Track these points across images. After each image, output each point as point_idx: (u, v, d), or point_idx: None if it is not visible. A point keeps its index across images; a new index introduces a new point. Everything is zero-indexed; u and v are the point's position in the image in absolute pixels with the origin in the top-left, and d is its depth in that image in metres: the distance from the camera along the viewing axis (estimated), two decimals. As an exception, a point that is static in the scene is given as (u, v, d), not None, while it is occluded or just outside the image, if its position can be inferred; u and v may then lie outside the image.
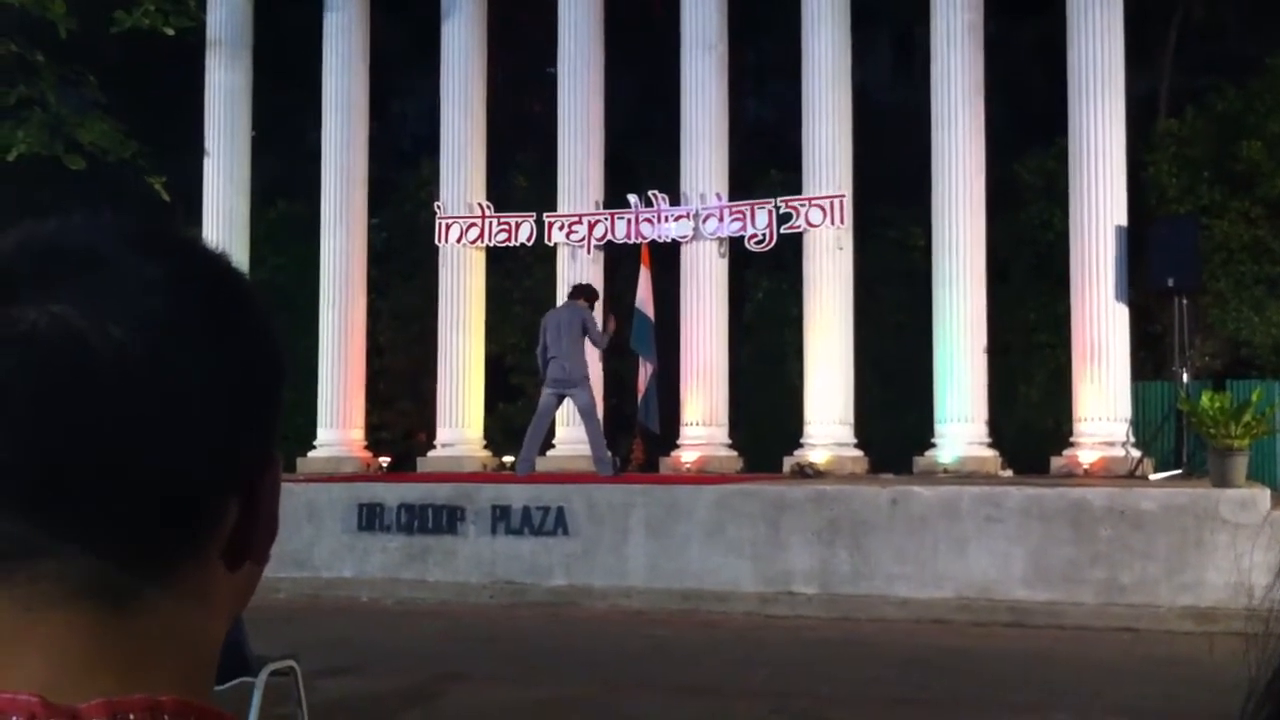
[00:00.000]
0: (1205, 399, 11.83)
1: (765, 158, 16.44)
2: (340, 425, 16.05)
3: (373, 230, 16.94)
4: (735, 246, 15.24)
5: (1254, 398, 11.66)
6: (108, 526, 0.66)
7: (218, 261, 0.74)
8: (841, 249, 14.63)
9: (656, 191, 15.34)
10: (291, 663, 6.24)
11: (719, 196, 15.19)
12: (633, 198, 15.45)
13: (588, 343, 13.14)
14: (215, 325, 0.71)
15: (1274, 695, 0.62)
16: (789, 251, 15.05)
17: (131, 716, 0.65)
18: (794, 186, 15.05)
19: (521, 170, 17.59)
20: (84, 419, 0.65)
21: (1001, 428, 14.23)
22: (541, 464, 14.96)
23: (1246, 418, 11.37)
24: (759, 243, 14.97)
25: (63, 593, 0.66)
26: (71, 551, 0.66)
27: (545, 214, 15.77)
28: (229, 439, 0.70)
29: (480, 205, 16.09)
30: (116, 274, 0.68)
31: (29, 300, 0.66)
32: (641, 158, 16.70)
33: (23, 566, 0.66)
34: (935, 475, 13.32)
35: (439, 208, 16.15)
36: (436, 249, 16.14)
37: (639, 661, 9.31)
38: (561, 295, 15.10)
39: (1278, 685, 0.62)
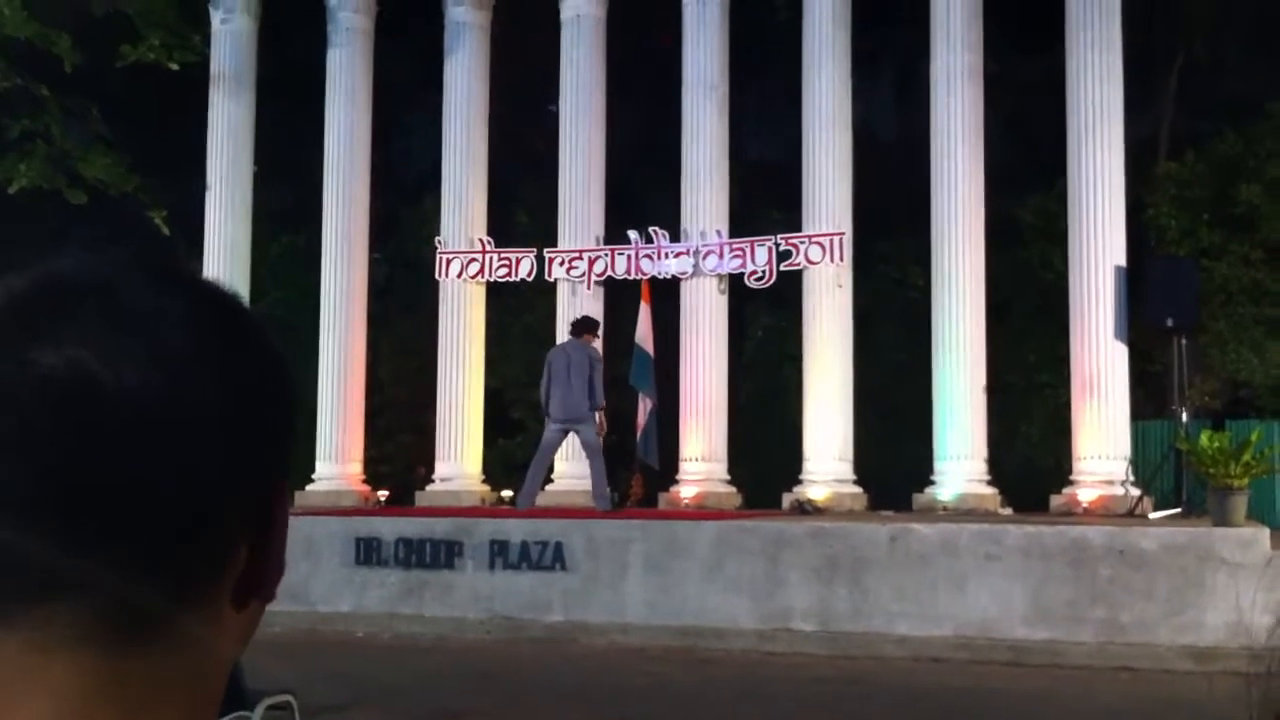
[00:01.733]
0: (1205, 438, 11.83)
1: (765, 195, 16.51)
2: (339, 459, 16.03)
3: (374, 264, 16.97)
4: (735, 283, 15.27)
5: (1253, 438, 11.66)
6: (120, 567, 0.66)
7: (230, 299, 0.74)
8: (841, 286, 14.66)
9: (657, 228, 15.39)
10: (289, 697, 6.21)
11: (719, 233, 15.23)
12: (633, 234, 15.50)
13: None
14: (229, 363, 0.70)
15: None
16: (789, 288, 15.08)
17: None
18: (794, 224, 15.10)
19: (523, 206, 17.65)
20: (99, 462, 0.65)
21: (1001, 465, 14.22)
22: (541, 499, 14.94)
23: (1246, 457, 11.37)
24: (759, 279, 15.00)
25: (73, 635, 0.66)
26: (83, 593, 0.65)
27: (546, 249, 15.80)
28: (242, 477, 0.70)
29: (481, 240, 16.13)
30: (131, 313, 0.68)
31: (46, 341, 0.66)
32: (642, 194, 16.77)
33: (34, 608, 0.66)
34: (935, 513, 13.30)
35: (440, 243, 16.18)
36: (437, 283, 16.17)
37: (637, 699, 9.27)
38: (561, 329, 15.12)
39: None
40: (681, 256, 15.26)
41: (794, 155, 15.19)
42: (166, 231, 17.31)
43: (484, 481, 16.06)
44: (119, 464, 0.65)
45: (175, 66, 16.92)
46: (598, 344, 13.49)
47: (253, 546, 0.72)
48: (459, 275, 16.05)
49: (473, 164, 16.39)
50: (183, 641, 0.69)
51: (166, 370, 0.67)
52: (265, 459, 0.72)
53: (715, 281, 15.20)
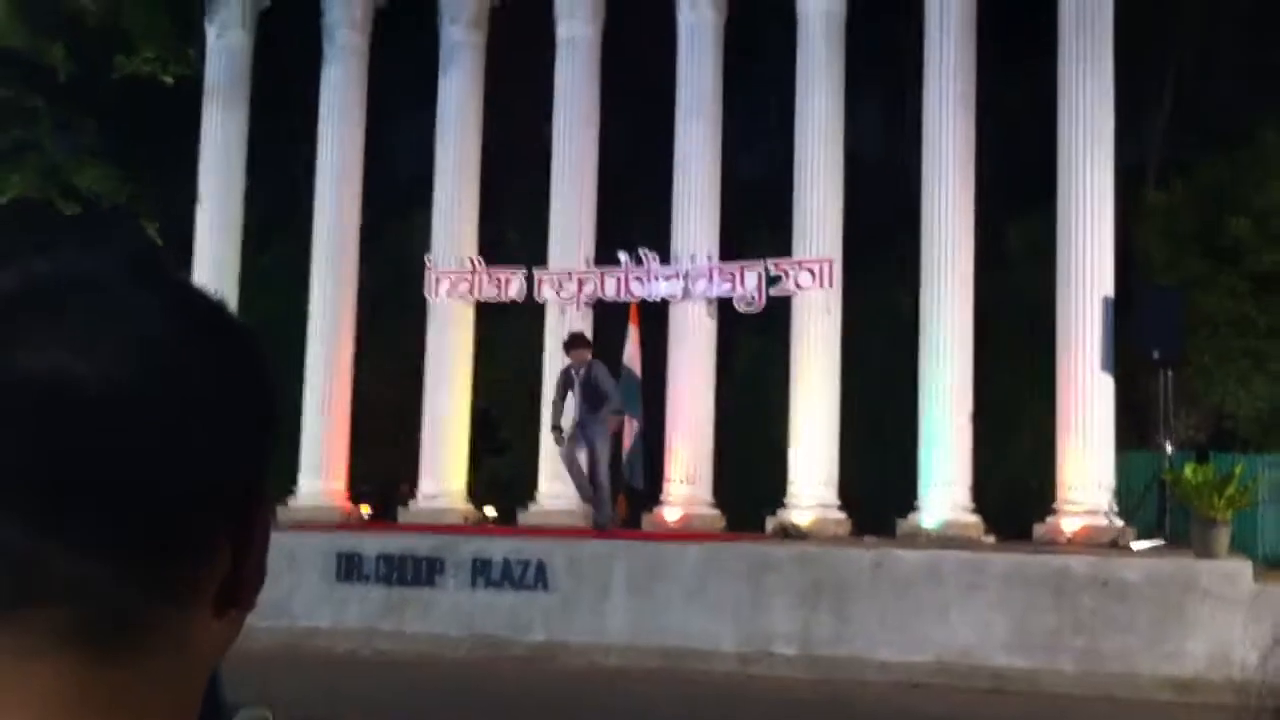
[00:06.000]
0: (1189, 470, 11.86)
1: (756, 216, 16.54)
2: (322, 474, 15.96)
3: (362, 279, 16.95)
4: (724, 306, 15.28)
5: (1237, 470, 11.69)
6: (100, 572, 0.65)
7: (212, 302, 0.74)
8: (829, 313, 14.68)
9: (647, 250, 15.40)
10: (266, 712, 6.18)
11: (709, 257, 15.25)
12: (623, 256, 15.50)
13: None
14: (211, 366, 0.70)
15: None
16: (777, 312, 15.09)
17: None
18: (784, 245, 15.12)
19: (513, 225, 17.66)
20: (78, 465, 0.65)
21: (985, 493, 14.21)
22: (522, 518, 14.93)
23: (1230, 490, 11.40)
24: (748, 305, 15.01)
25: (52, 640, 0.65)
26: (62, 598, 0.65)
27: (536, 269, 15.80)
28: (223, 481, 0.70)
29: (471, 260, 16.13)
30: (113, 315, 0.68)
31: (27, 342, 0.66)
32: (633, 215, 16.79)
33: (12, 613, 0.65)
34: (918, 539, 13.29)
35: (430, 260, 16.17)
36: (425, 300, 16.15)
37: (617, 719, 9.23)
38: (550, 349, 15.15)
39: None
40: (671, 280, 15.27)
41: (785, 177, 15.22)
42: (160, 243, 17.29)
43: (469, 500, 16.02)
44: (99, 467, 0.65)
45: (169, 80, 16.93)
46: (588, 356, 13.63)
47: (233, 553, 0.72)
48: (448, 294, 16.04)
49: (464, 182, 16.40)
50: (162, 647, 0.68)
51: (148, 373, 0.67)
52: (246, 463, 0.72)
53: (704, 305, 15.21)
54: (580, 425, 13.41)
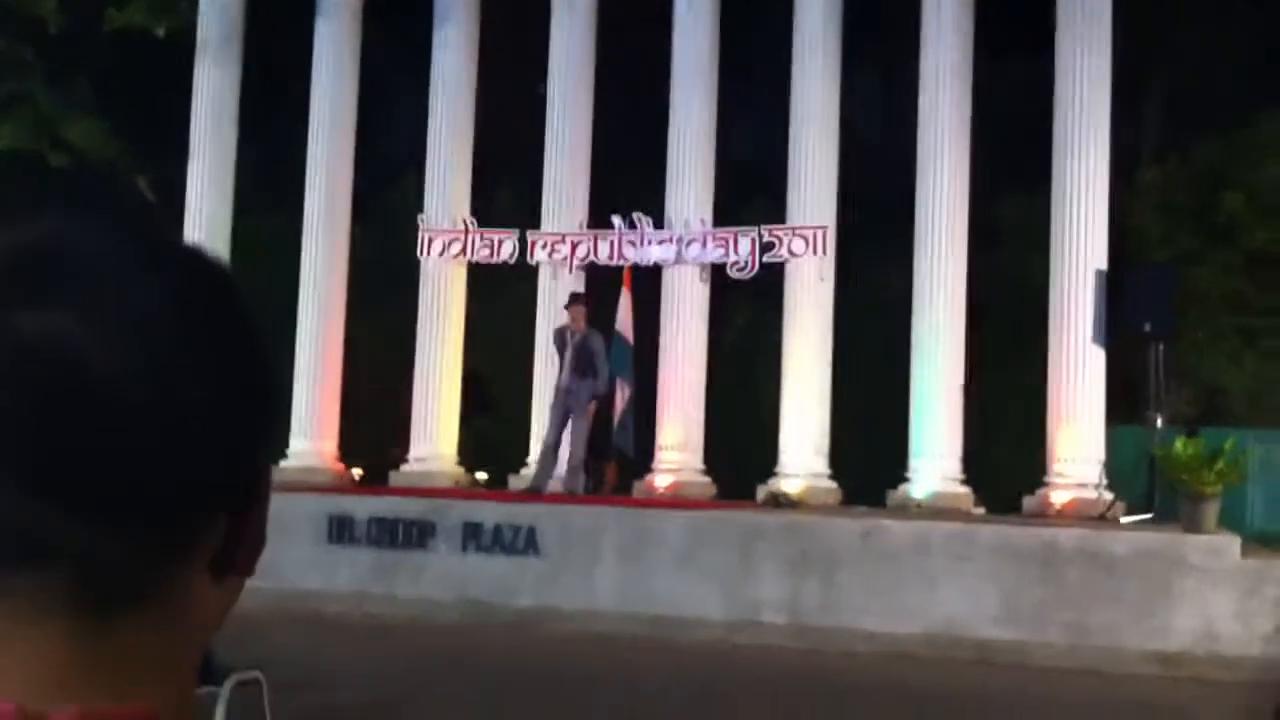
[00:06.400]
0: (1179, 445, 11.90)
1: (750, 186, 16.49)
2: (313, 436, 15.94)
3: (354, 241, 16.88)
4: (717, 273, 15.25)
5: (1226, 445, 11.72)
6: (97, 539, 0.65)
7: (217, 270, 0.73)
8: (823, 280, 14.67)
9: (640, 214, 15.35)
10: (257, 674, 6.19)
11: (703, 222, 15.21)
12: (617, 219, 15.45)
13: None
14: (213, 336, 0.70)
15: None
16: (770, 280, 15.08)
17: None
18: (778, 216, 15.09)
19: (506, 188, 17.58)
20: (77, 431, 0.64)
21: (975, 465, 14.25)
22: (513, 483, 14.93)
23: (1219, 465, 11.45)
24: (741, 270, 14.98)
25: (49, 603, 0.65)
26: (60, 561, 0.65)
27: (529, 232, 15.75)
28: (224, 452, 0.69)
29: (464, 220, 16.07)
30: (116, 280, 0.67)
31: (28, 308, 0.65)
32: (627, 180, 16.72)
33: (9, 575, 0.65)
34: (908, 510, 13.33)
35: (422, 220, 16.11)
36: (418, 262, 16.10)
37: (603, 687, 9.28)
38: (542, 312, 15.16)
39: None
40: (664, 244, 15.23)
41: (780, 147, 15.17)
42: (150, 196, 17.21)
43: (459, 463, 16.02)
44: (97, 434, 0.64)
45: (161, 33, 16.79)
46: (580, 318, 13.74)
47: (232, 520, 0.71)
48: (440, 254, 15.98)
49: (457, 143, 16.31)
50: (161, 613, 0.68)
51: (149, 341, 0.66)
52: (247, 433, 0.71)
53: (697, 271, 15.18)
54: (566, 391, 13.48)
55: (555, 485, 13.69)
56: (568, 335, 13.68)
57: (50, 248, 0.68)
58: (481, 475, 16.30)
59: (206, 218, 16.40)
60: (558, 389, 13.68)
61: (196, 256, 0.73)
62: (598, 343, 13.67)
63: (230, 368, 0.70)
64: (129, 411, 0.65)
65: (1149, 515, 12.72)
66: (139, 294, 0.67)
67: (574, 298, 14.00)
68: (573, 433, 13.54)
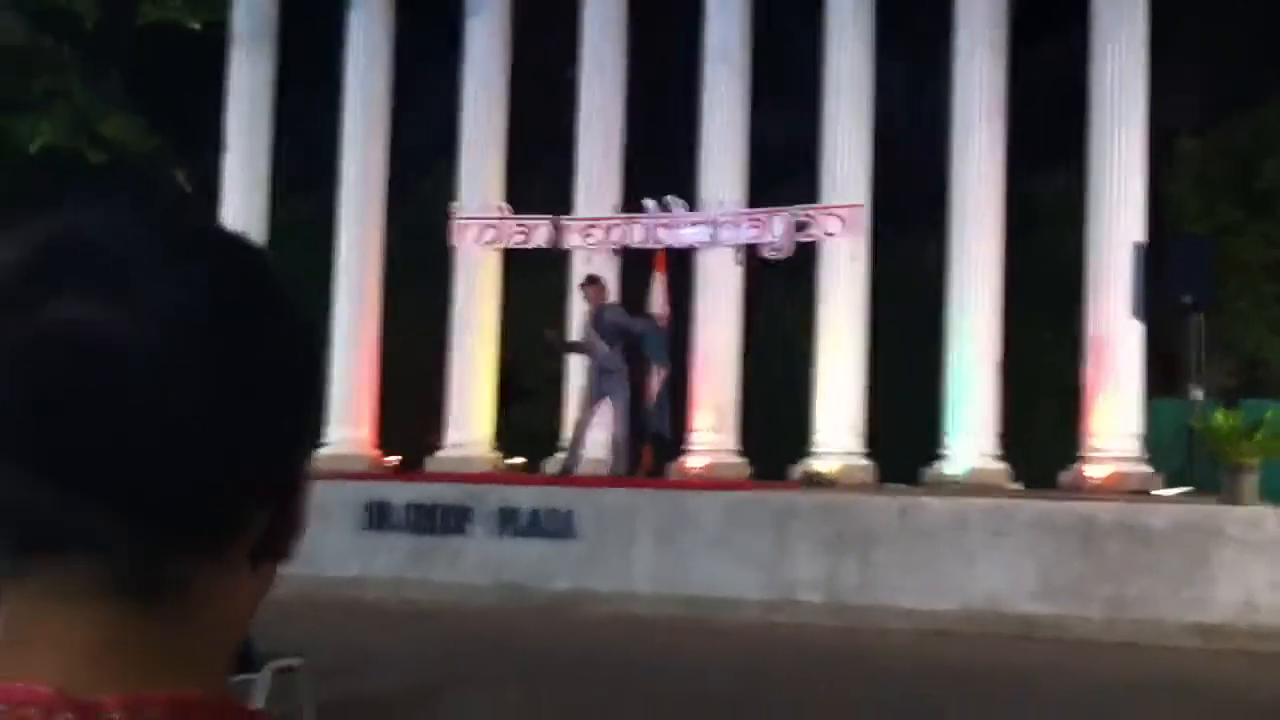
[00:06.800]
0: (1219, 417, 11.79)
1: (784, 167, 16.43)
2: (350, 423, 16.03)
3: (390, 230, 16.95)
4: (751, 254, 15.22)
5: (1267, 416, 11.61)
6: (140, 524, 0.66)
7: (256, 258, 0.72)
8: (855, 259, 14.60)
9: (673, 197, 15.32)
10: (296, 660, 6.24)
11: (736, 204, 15.17)
12: (650, 203, 15.43)
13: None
14: (253, 325, 0.69)
15: None
16: (804, 261, 15.03)
17: (149, 711, 0.65)
18: (811, 195, 15.03)
19: (540, 173, 17.59)
20: (107, 420, 0.64)
21: (1012, 441, 14.18)
22: (548, 466, 14.96)
23: (1259, 436, 11.34)
24: (776, 251, 14.93)
25: (90, 587, 0.66)
26: (101, 546, 0.66)
27: (562, 217, 15.76)
28: (266, 439, 0.69)
29: (498, 207, 16.09)
30: (152, 271, 0.67)
31: (64, 299, 0.65)
32: (660, 162, 16.69)
33: (51, 560, 0.66)
34: (944, 487, 13.28)
35: (455, 208, 16.15)
36: (452, 249, 16.14)
37: (642, 669, 9.29)
38: (579, 297, 15.18)
39: None
40: (698, 226, 15.21)
41: (813, 126, 15.11)
42: (188, 189, 17.33)
43: (495, 448, 16.08)
44: (138, 424, 0.64)
45: (196, 26, 16.89)
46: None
47: (274, 508, 0.71)
48: (475, 241, 16.02)
49: (490, 129, 16.34)
50: (198, 598, 0.69)
51: (186, 328, 0.66)
52: (288, 421, 0.71)
53: (731, 252, 15.15)
54: (600, 370, 13.47)
55: (589, 467, 13.72)
56: (587, 319, 13.68)
57: (79, 237, 0.68)
58: (517, 460, 16.36)
59: (242, 208, 16.52)
60: (590, 370, 13.68)
61: (233, 241, 0.72)
62: (615, 314, 13.63)
63: (267, 355, 0.69)
64: (166, 401, 0.65)
65: (1189, 488, 12.63)
66: (170, 281, 0.67)
67: (589, 279, 13.96)
68: (613, 412, 13.51)
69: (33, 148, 16.87)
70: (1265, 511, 10.89)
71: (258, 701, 5.81)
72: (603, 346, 13.48)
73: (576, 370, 14.94)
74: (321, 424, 0.78)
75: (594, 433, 13.72)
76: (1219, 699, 8.51)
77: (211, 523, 0.68)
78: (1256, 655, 9.78)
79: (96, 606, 0.66)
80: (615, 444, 13.58)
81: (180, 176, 17.50)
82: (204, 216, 0.76)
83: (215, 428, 0.66)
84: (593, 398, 13.62)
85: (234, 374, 0.67)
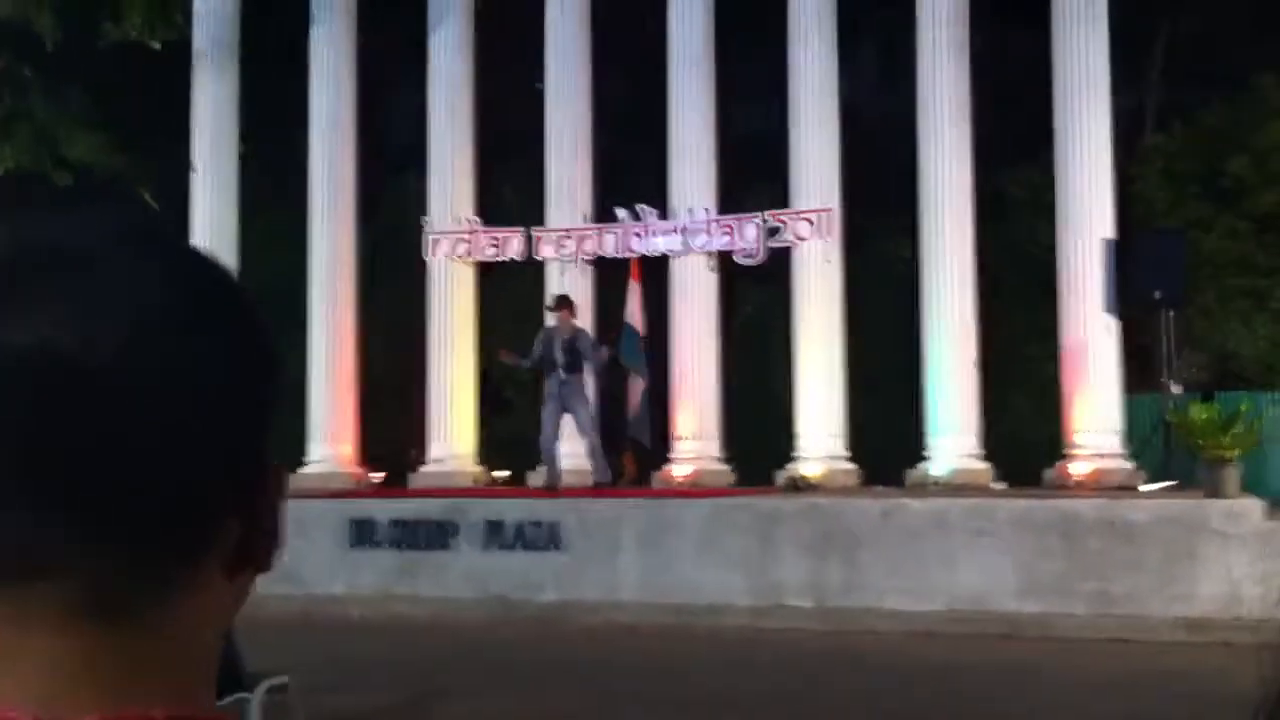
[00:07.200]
0: (1194, 410, 11.89)
1: (753, 171, 16.48)
2: (331, 441, 15.95)
3: (362, 243, 16.89)
4: (725, 260, 15.25)
5: (1242, 408, 11.71)
6: (108, 543, 0.65)
7: (212, 266, 0.72)
8: (829, 262, 14.65)
9: (644, 206, 15.34)
10: (286, 679, 6.23)
11: (707, 210, 15.20)
12: (621, 212, 15.44)
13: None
14: (211, 333, 0.68)
15: None
16: (778, 265, 15.07)
17: None
18: (782, 197, 15.07)
19: (510, 184, 17.58)
20: (77, 439, 0.63)
21: (993, 440, 14.26)
22: (532, 480, 14.93)
23: (1236, 428, 11.43)
24: (748, 256, 14.98)
25: (56, 610, 0.65)
26: (71, 568, 0.65)
27: (534, 228, 15.74)
28: (227, 448, 0.68)
29: (469, 220, 16.06)
30: (109, 282, 0.66)
31: (17, 314, 0.64)
32: (630, 170, 16.72)
33: (22, 584, 0.65)
34: (927, 488, 13.33)
35: (427, 222, 16.10)
36: (425, 263, 16.10)
37: (632, 675, 9.30)
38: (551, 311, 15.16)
39: None
40: (670, 234, 15.23)
41: (781, 129, 15.15)
42: (155, 206, 17.20)
43: (479, 462, 16.02)
44: (98, 441, 0.63)
45: (157, 45, 16.78)
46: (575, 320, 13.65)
47: (244, 518, 0.70)
48: (447, 255, 15.98)
49: (458, 141, 16.29)
50: (172, 615, 0.68)
51: (146, 342, 0.65)
52: (251, 429, 0.70)
53: (704, 259, 15.18)
54: (560, 386, 13.41)
55: (572, 478, 13.70)
56: (555, 336, 13.59)
57: (33, 254, 0.66)
58: (501, 474, 16.31)
59: (212, 224, 16.40)
60: (548, 393, 13.57)
61: (190, 255, 0.72)
62: (585, 342, 13.57)
63: (228, 360, 0.69)
64: (125, 415, 0.64)
65: (1170, 483, 12.71)
66: (130, 299, 0.66)
67: (559, 300, 13.83)
68: (579, 424, 13.49)
69: (-3, 172, 16.72)
70: (1247, 504, 10.98)
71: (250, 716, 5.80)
72: (562, 359, 13.40)
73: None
74: (271, 421, 0.77)
75: (566, 445, 13.71)
76: (1204, 691, 8.56)
77: (183, 534, 0.67)
78: (1241, 648, 9.85)
79: (70, 628, 0.65)
80: (594, 453, 13.59)
81: (147, 194, 17.35)
82: (170, 228, 0.74)
83: (185, 435, 0.66)
84: (555, 416, 13.54)
85: (194, 382, 0.66)
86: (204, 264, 0.71)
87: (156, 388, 0.65)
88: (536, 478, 14.83)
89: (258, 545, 0.72)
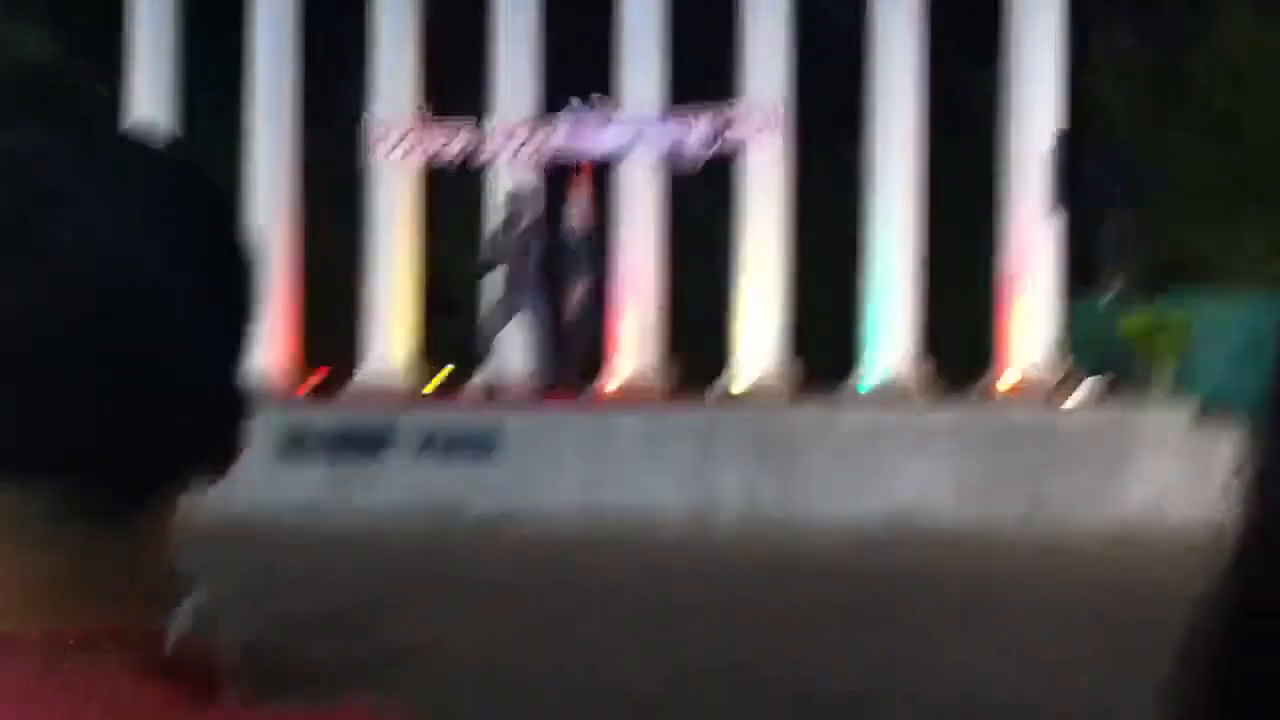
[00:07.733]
0: (1131, 319, 11.92)
1: (704, 67, 16.25)
2: (268, 343, 15.70)
3: (304, 146, 16.55)
4: (671, 167, 15.10)
5: (1176, 313, 11.73)
6: (91, 453, 0.65)
7: (200, 179, 0.71)
8: (774, 164, 14.53)
9: (597, 95, 15.10)
10: (214, 589, 6.15)
11: (657, 106, 15.02)
12: (574, 100, 15.20)
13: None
14: (203, 250, 0.68)
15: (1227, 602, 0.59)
16: (724, 171, 14.95)
17: (71, 643, 0.65)
18: (732, 98, 14.92)
19: (457, 80, 17.22)
20: (59, 351, 0.63)
21: (934, 347, 14.25)
22: (474, 385, 14.80)
23: (1170, 335, 11.48)
24: (698, 150, 14.81)
25: (44, 514, 0.65)
26: (55, 476, 0.65)
27: (484, 121, 15.45)
28: (217, 365, 0.69)
29: (415, 113, 15.73)
30: (94, 195, 0.65)
31: (13, 246, 0.63)
32: (580, 66, 16.42)
33: (8, 485, 0.65)
34: (866, 396, 13.35)
35: (371, 118, 15.76)
36: (369, 165, 15.79)
37: (570, 588, 9.28)
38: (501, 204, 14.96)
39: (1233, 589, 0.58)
40: (620, 127, 15.04)
41: (732, 29, 14.94)
42: (106, 94, 17.00)
43: (421, 364, 15.86)
44: (86, 352, 0.64)
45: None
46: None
47: (222, 430, 0.70)
48: (394, 150, 15.66)
49: (403, 36, 15.91)
50: (145, 529, 0.68)
51: (133, 260, 0.65)
52: (235, 341, 0.70)
53: (651, 165, 15.01)
54: (514, 281, 13.33)
55: (515, 380, 13.61)
56: (502, 232, 13.50)
57: (28, 178, 0.66)
58: (445, 370, 16.15)
59: (149, 126, 15.99)
60: (506, 280, 13.51)
61: (175, 162, 0.71)
62: (534, 233, 13.47)
63: (220, 274, 0.69)
64: (114, 331, 0.64)
65: (1104, 390, 12.79)
66: (117, 208, 0.66)
67: (513, 196, 13.69)
68: (534, 321, 13.40)
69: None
70: (1176, 411, 11.08)
71: (177, 629, 5.72)
72: (517, 253, 13.31)
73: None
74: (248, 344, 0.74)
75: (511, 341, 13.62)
76: (1137, 594, 8.67)
77: (162, 452, 0.68)
78: (1167, 555, 9.96)
79: (52, 532, 0.66)
80: (541, 354, 13.45)
81: (102, 90, 17.16)
82: (143, 136, 0.72)
83: (161, 367, 0.66)
84: (509, 307, 13.44)
85: (188, 298, 0.66)
86: (194, 176, 0.70)
87: (148, 308, 0.65)
88: (481, 378, 14.71)
89: (223, 458, 0.71)
